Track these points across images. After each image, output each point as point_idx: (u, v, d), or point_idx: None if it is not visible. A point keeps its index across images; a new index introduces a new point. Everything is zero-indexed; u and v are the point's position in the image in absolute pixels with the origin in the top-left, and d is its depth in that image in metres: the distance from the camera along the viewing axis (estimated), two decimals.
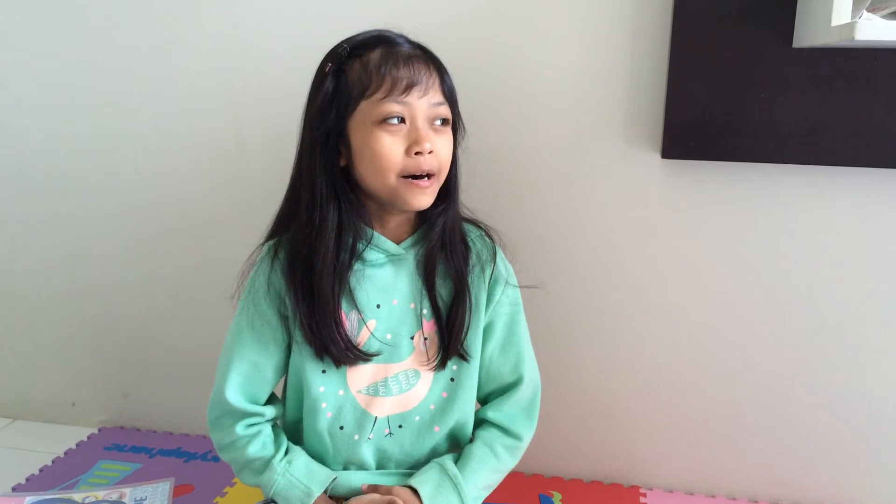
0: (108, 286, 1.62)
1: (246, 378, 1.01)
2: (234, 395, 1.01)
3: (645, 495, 1.43)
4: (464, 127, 1.02)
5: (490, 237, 1.07)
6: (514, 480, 1.46)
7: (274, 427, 1.05)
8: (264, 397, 1.04)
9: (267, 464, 1.00)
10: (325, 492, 1.00)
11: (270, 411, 1.04)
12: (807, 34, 1.12)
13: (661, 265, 1.35)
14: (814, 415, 1.36)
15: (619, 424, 1.45)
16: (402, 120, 0.92)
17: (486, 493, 1.05)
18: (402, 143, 0.92)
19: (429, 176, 0.94)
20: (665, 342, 1.38)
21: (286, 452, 1.02)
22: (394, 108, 0.91)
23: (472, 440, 1.07)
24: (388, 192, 0.94)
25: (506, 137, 1.35)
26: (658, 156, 1.29)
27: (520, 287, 1.09)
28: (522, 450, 1.08)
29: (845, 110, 1.18)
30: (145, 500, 1.38)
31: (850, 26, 0.95)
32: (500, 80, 1.32)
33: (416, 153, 0.91)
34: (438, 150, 0.94)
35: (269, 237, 1.03)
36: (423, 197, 0.94)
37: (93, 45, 1.48)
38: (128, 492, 1.40)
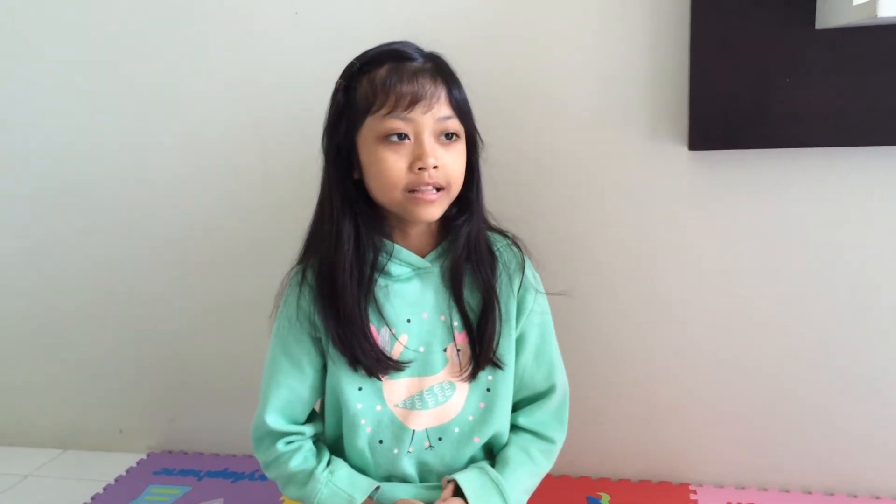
0: (148, 315, 1.64)
1: (284, 402, 1.03)
2: (274, 418, 1.03)
3: (695, 492, 1.41)
4: (481, 140, 1.01)
5: (518, 246, 1.07)
6: (562, 483, 1.46)
7: (316, 443, 1.07)
8: (304, 417, 1.06)
9: (310, 475, 1.01)
10: (371, 498, 1.01)
11: (310, 429, 1.06)
12: (829, 15, 1.11)
13: (695, 259, 1.34)
14: (864, 403, 1.33)
15: (664, 422, 1.43)
16: (407, 136, 0.93)
17: (526, 497, 1.04)
18: (406, 159, 0.93)
19: (437, 189, 0.94)
20: (704, 337, 1.37)
21: (328, 463, 1.03)
22: (397, 124, 0.92)
23: (505, 445, 1.07)
24: (397, 206, 0.95)
25: (528, 139, 1.35)
26: (685, 148, 1.28)
27: (549, 294, 1.09)
28: (556, 453, 1.08)
29: (872, 90, 1.17)
30: None
31: (872, 4, 0.94)
32: (519, 82, 1.33)
33: (420, 168, 0.92)
34: (445, 164, 0.94)
35: (300, 260, 1.05)
36: (431, 209, 0.95)
37: (120, 81, 1.52)
38: None
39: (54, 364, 1.75)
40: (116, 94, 1.53)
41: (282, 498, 1.45)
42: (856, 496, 1.37)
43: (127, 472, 1.63)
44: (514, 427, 1.07)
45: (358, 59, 0.97)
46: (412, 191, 0.93)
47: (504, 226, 1.09)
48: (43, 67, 1.56)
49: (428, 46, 0.99)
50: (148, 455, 1.70)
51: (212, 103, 1.48)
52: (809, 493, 1.39)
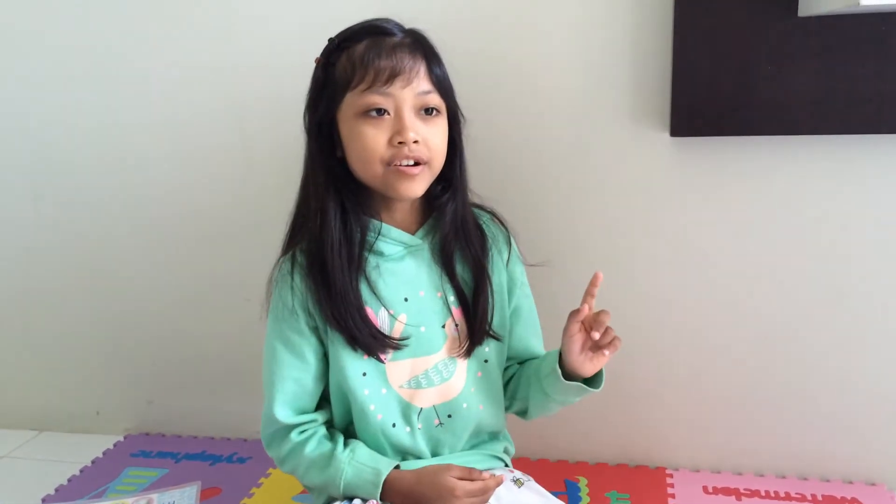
0: (126, 297, 1.63)
1: (291, 394, 1.01)
2: (284, 412, 1.01)
3: (671, 476, 1.43)
4: (463, 116, 1.01)
5: (500, 221, 1.09)
6: (540, 467, 1.46)
7: (329, 428, 1.05)
8: (312, 407, 1.04)
9: (330, 457, 0.99)
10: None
11: (322, 416, 1.04)
12: (812, 2, 1.11)
13: (674, 244, 1.34)
14: (839, 390, 1.35)
15: (640, 407, 1.44)
16: (387, 111, 0.92)
17: None
18: (385, 134, 0.92)
19: (418, 163, 0.94)
20: (682, 322, 1.38)
21: (346, 445, 1.02)
22: (376, 99, 0.91)
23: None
24: (378, 182, 0.95)
25: (510, 122, 1.34)
26: (667, 134, 1.28)
27: (529, 266, 1.12)
28: None
29: (854, 78, 1.17)
30: None
31: None
32: (502, 64, 1.32)
33: (400, 143, 0.92)
34: (426, 138, 0.94)
35: (287, 246, 1.03)
36: (413, 184, 0.94)
37: (102, 65, 1.50)
38: (155, 497, 1.41)
39: (30, 345, 1.73)
40: (96, 75, 1.50)
41: (260, 480, 1.45)
42: (828, 480, 1.39)
43: (104, 454, 1.62)
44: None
45: (338, 35, 0.96)
46: (392, 164, 0.93)
47: (482, 202, 1.10)
48: (17, 51, 1.53)
49: (410, 26, 0.98)
50: (125, 437, 1.69)
51: (192, 85, 1.46)
52: (783, 477, 1.41)
